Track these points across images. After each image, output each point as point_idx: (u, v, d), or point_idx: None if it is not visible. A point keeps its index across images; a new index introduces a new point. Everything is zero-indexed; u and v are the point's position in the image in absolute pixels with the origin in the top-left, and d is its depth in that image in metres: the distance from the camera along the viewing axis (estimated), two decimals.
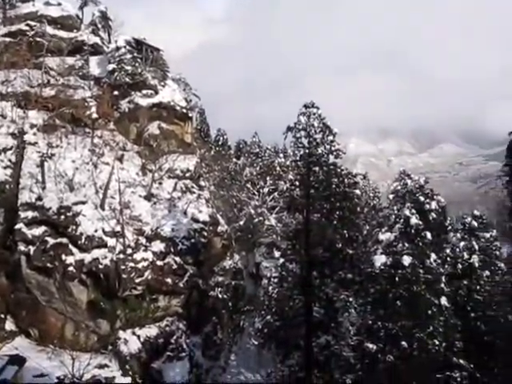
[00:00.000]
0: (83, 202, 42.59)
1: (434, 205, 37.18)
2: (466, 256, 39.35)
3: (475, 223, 41.40)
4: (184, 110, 55.80)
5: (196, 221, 48.00)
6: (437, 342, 30.34)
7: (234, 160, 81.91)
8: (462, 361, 32.44)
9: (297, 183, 39.70)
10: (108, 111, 50.84)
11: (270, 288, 46.36)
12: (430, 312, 30.70)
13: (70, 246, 40.48)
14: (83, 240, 40.82)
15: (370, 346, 30.82)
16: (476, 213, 43.13)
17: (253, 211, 64.45)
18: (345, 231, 38.43)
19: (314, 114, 38.30)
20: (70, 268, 39.81)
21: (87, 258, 40.49)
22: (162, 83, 55.72)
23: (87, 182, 44.45)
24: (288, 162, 67.40)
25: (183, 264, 45.44)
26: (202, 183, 54.50)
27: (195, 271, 46.21)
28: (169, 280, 44.14)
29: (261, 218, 64.12)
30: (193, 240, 46.62)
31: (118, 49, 53.23)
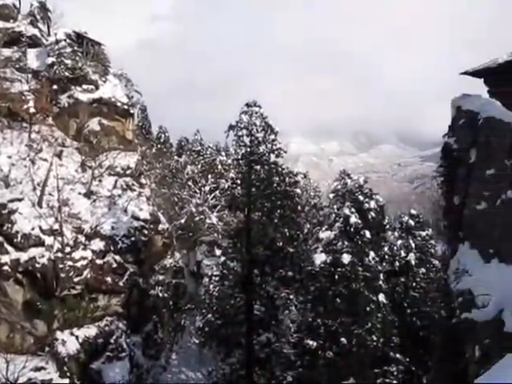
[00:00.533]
0: (19, 199, 41.39)
1: (372, 204, 37.87)
2: (403, 254, 40.31)
3: (412, 222, 42.47)
4: (125, 107, 54.94)
5: (136, 219, 47.39)
6: (375, 338, 30.98)
7: (176, 158, 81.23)
8: (398, 355, 33.25)
9: (238, 182, 39.82)
10: (46, 106, 49.50)
11: (211, 286, 46.31)
12: (368, 309, 31.31)
13: (6, 245, 39.24)
14: (19, 238, 39.68)
15: (310, 342, 31.20)
16: (413, 212, 44.24)
17: (194, 209, 64.18)
18: (285, 230, 38.76)
19: (256, 112, 38.50)
20: (5, 267, 38.58)
21: (23, 256, 39.37)
22: (103, 78, 54.73)
23: (24, 178, 43.20)
24: (230, 161, 67.42)
25: (123, 263, 44.80)
26: (143, 181, 53.83)
27: (135, 270, 45.64)
28: (108, 279, 43.44)
29: (202, 217, 63.90)
30: (133, 238, 46.01)
31: (57, 42, 51.89)
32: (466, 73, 24.16)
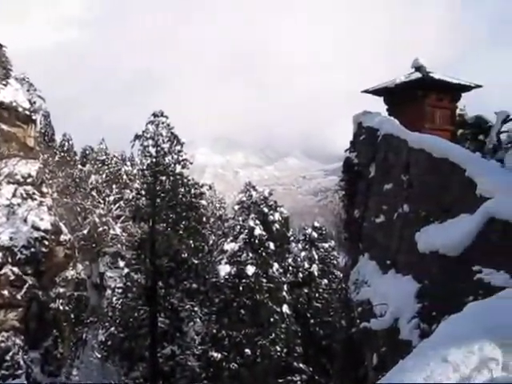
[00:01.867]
0: None
1: (277, 216, 38.49)
2: (306, 265, 41.19)
3: (315, 234, 43.51)
4: (27, 112, 53.01)
5: (37, 229, 45.74)
6: (278, 348, 31.42)
7: (80, 167, 79.11)
8: (302, 365, 33.89)
9: (143, 192, 39.38)
10: None
11: (114, 299, 45.34)
12: (272, 319, 31.74)
13: None
14: None
15: (215, 354, 31.22)
16: (316, 224, 45.34)
17: (97, 220, 62.73)
18: (190, 241, 38.65)
19: (163, 123, 38.29)
20: None
21: None
22: (4, 82, 52.61)
23: None
24: (135, 171, 66.39)
25: (22, 275, 43.06)
26: (45, 190, 52.03)
27: (35, 282, 43.97)
28: (5, 292, 41.60)
29: (106, 227, 62.55)
30: (33, 249, 44.35)
31: None
32: (366, 91, 25.14)
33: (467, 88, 24.52)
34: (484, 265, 16.64)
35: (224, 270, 32.42)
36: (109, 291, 54.22)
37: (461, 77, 24.83)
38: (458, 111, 24.88)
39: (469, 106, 25.75)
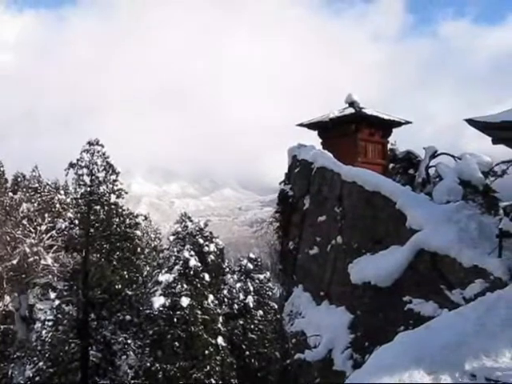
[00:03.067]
0: None
1: (212, 247, 38.42)
2: (241, 297, 41.13)
3: (251, 265, 43.61)
4: None
5: None
6: (214, 381, 31.11)
7: (11, 194, 76.78)
8: None
9: (76, 222, 38.63)
10: None
11: (44, 332, 43.80)
12: (207, 352, 31.45)
13: None
14: None
15: None
16: (251, 256, 45.48)
17: (28, 250, 60.73)
18: (125, 272, 38.00)
19: (98, 151, 37.83)
20: None
21: None
22: None
23: None
24: (69, 200, 64.97)
25: None
26: None
27: None
28: None
29: (36, 257, 60.69)
30: None
31: None
32: (301, 125, 25.63)
33: (398, 124, 25.37)
34: (414, 295, 17.13)
35: (158, 301, 32.03)
36: (38, 324, 52.38)
37: (392, 113, 25.70)
38: (389, 146, 25.69)
39: (399, 141, 26.67)
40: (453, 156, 21.80)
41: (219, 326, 33.54)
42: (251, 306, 40.93)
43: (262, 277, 44.19)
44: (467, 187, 19.95)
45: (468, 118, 14.58)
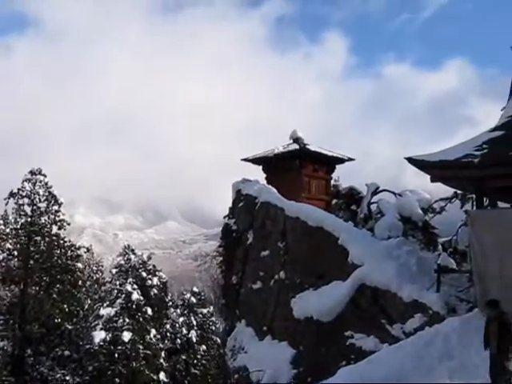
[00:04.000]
0: None
1: (155, 281, 37.89)
2: (184, 331, 40.56)
3: (194, 299, 43.15)
4: None
5: None
6: None
7: None
8: None
9: (15, 253, 37.57)
10: None
11: None
12: None
13: None
14: None
15: None
16: (195, 289, 45.02)
17: None
18: (65, 305, 37.05)
19: (41, 181, 37.11)
20: None
21: None
22: None
23: None
24: (8, 230, 63.26)
25: None
26: None
27: None
28: None
29: None
30: None
31: None
32: (246, 159, 25.86)
33: (341, 160, 25.92)
34: (356, 330, 17.35)
35: (99, 335, 31.24)
36: None
37: (336, 150, 26.25)
38: (332, 182, 26.14)
39: (343, 177, 27.15)
40: (394, 193, 22.38)
41: (161, 361, 32.92)
42: (194, 340, 40.33)
43: (205, 311, 43.71)
44: (407, 223, 20.50)
45: (408, 157, 15.06)
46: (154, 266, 40.67)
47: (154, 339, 32.55)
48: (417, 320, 15.45)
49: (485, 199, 16.08)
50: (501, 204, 16.82)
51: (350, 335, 17.41)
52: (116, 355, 30.58)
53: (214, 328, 44.00)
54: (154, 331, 32.87)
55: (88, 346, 32.14)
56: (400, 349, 13.37)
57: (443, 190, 19.97)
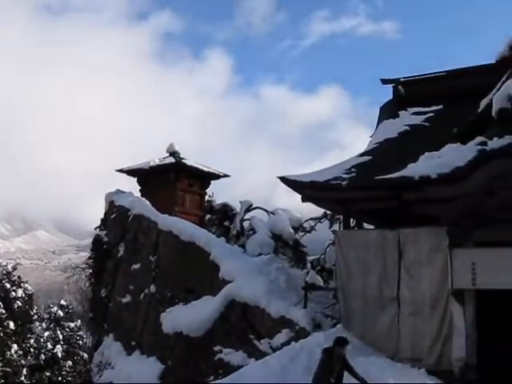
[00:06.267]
0: None
1: (20, 293, 36.25)
2: (50, 346, 38.91)
3: (61, 313, 41.59)
4: None
5: None
6: None
7: None
8: None
9: None
10: None
11: None
12: None
13: None
14: None
15: None
16: (62, 302, 43.46)
17: None
18: None
19: None
20: None
21: None
22: None
23: None
24: None
25: None
26: None
27: None
28: None
29: None
30: None
31: None
32: (121, 170, 25.37)
33: (216, 176, 26.09)
34: (225, 345, 17.44)
35: None
36: None
37: (213, 167, 26.41)
38: (206, 197, 26.24)
39: (217, 193, 27.34)
40: (266, 211, 22.84)
41: (22, 378, 31.41)
42: (60, 356, 38.81)
43: (72, 325, 42.24)
44: (278, 241, 20.99)
45: (281, 176, 15.42)
46: (19, 277, 38.85)
47: (15, 355, 31.04)
48: (284, 335, 15.75)
49: (351, 220, 16.80)
50: (366, 225, 17.63)
51: (219, 350, 17.45)
52: None
53: (81, 343, 42.56)
54: (15, 346, 31.38)
55: None
56: (266, 364, 13.57)
57: (314, 209, 20.63)
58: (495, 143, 12.06)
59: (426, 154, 13.19)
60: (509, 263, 12.45)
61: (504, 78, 13.43)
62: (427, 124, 17.61)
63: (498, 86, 13.36)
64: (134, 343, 20.52)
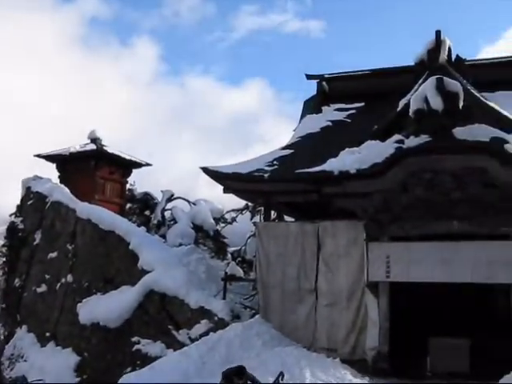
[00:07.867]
0: None
1: None
2: None
3: None
4: None
5: None
6: None
7: None
8: None
9: None
10: None
11: None
12: None
13: None
14: None
15: None
16: None
17: None
18: None
19: None
20: None
21: None
22: None
23: None
24: None
25: None
26: None
27: None
28: None
29: None
30: None
31: None
32: (39, 156, 24.56)
33: (138, 165, 25.70)
34: (143, 336, 17.27)
35: None
36: None
37: (139, 155, 26.02)
38: (128, 186, 25.83)
39: (140, 182, 26.93)
40: (188, 201, 22.80)
41: None
42: None
43: None
44: (199, 232, 21.00)
45: (203, 167, 15.41)
46: None
47: None
48: (203, 326, 15.77)
49: (272, 212, 17.02)
50: (287, 218, 17.90)
51: (137, 341, 17.28)
52: None
53: None
54: None
55: None
56: (184, 354, 13.55)
57: (235, 201, 20.76)
58: (412, 141, 12.53)
59: (347, 149, 13.54)
60: (420, 257, 12.98)
61: (421, 81, 13.95)
62: (349, 120, 18.05)
63: (415, 88, 13.87)
64: (48, 334, 19.97)
